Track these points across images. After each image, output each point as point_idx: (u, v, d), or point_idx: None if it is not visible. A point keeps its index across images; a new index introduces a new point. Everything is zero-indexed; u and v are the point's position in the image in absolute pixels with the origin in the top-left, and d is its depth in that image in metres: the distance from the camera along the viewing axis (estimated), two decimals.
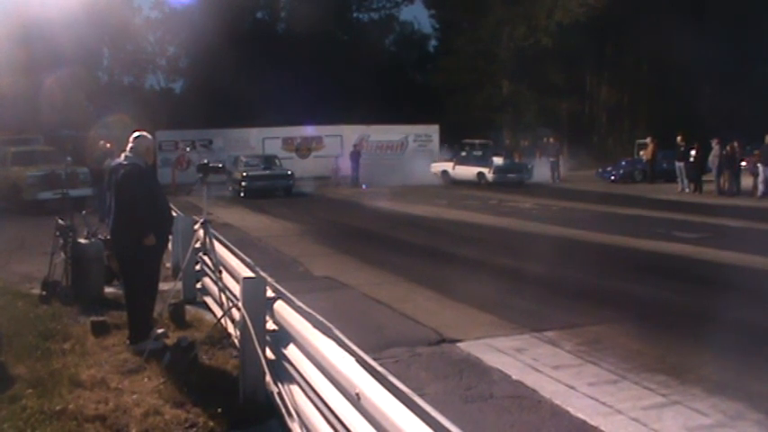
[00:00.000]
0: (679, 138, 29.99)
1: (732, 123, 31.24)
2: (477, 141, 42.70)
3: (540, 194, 28.31)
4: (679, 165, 29.27)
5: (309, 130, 38.46)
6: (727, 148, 27.32)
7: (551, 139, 39.11)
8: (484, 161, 35.27)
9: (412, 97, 47.99)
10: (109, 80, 52.12)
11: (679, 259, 13.93)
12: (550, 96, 46.22)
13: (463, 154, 37.69)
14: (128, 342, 7.91)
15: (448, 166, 36.40)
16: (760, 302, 9.91)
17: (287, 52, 47.05)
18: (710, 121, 33.93)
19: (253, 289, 6.08)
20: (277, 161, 33.79)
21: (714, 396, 6.53)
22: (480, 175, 34.18)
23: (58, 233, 10.66)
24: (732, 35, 34.80)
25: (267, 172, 31.60)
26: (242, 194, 30.11)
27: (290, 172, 32.16)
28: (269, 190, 30.24)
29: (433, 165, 37.43)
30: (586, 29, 40.79)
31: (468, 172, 34.96)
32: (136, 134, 8.10)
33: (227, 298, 7.94)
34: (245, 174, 30.63)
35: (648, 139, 34.55)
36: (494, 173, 33.68)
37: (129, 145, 7.99)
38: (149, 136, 8.32)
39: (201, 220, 8.97)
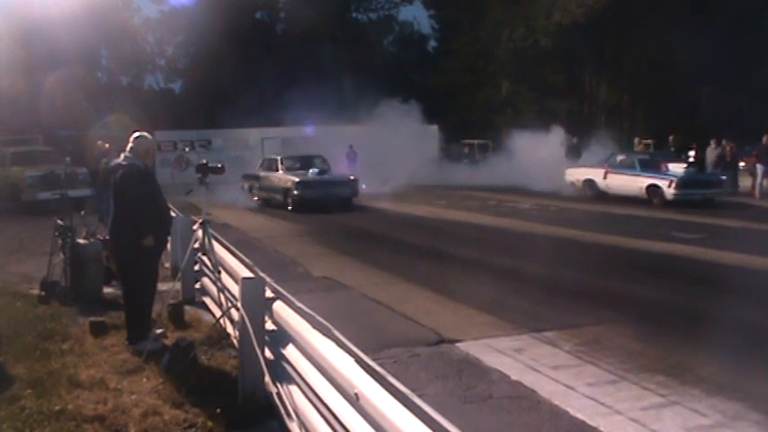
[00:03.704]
0: (671, 138, 29.98)
1: (731, 124, 31.25)
2: (476, 142, 42.69)
3: (538, 195, 28.15)
4: None
5: (308, 131, 38.42)
6: (727, 148, 27.40)
7: (575, 140, 35.35)
8: (655, 169, 25.11)
9: (411, 97, 47.95)
10: (108, 80, 52.09)
11: (678, 259, 13.94)
12: (550, 97, 46.20)
13: (620, 158, 26.91)
14: (126, 342, 7.91)
15: (596, 173, 26.93)
16: (759, 303, 9.92)
17: (286, 52, 47.08)
18: (710, 121, 33.96)
19: (252, 289, 6.07)
20: (326, 163, 26.92)
21: (713, 396, 6.54)
22: (653, 189, 24.34)
23: (56, 233, 10.66)
24: (732, 35, 34.83)
25: (326, 177, 24.80)
26: (290, 207, 24.02)
27: (352, 177, 25.43)
28: (326, 201, 23.76)
29: (570, 171, 28.76)
30: (585, 29, 40.78)
31: (630, 184, 25.24)
32: (136, 134, 8.08)
33: (226, 298, 7.93)
34: (297, 180, 23.97)
35: (637, 140, 34.52)
36: (677, 188, 23.74)
37: (129, 145, 7.98)
38: (149, 136, 8.30)
39: (201, 221, 8.96)
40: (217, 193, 20.12)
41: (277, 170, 25.60)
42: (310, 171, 24.61)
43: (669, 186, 23.74)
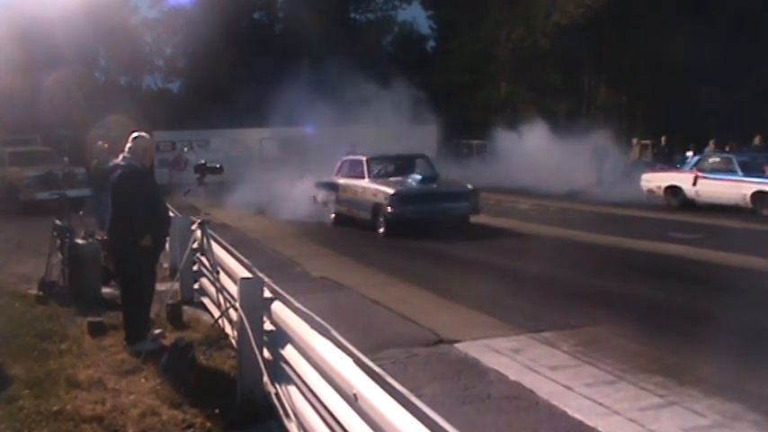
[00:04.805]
0: (663, 138, 29.95)
1: (731, 124, 31.24)
2: (474, 142, 42.65)
3: (538, 195, 27.85)
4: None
5: (307, 131, 38.34)
6: (726, 148, 27.40)
7: (601, 141, 33.09)
8: (759, 172, 21.06)
9: (410, 98, 47.87)
10: (106, 80, 52.06)
11: (675, 260, 13.94)
12: (548, 97, 46.16)
13: (712, 160, 23.08)
14: (125, 342, 7.90)
15: (682, 179, 23.20)
16: (756, 303, 9.91)
17: (285, 53, 47.07)
18: (709, 121, 33.94)
19: (250, 289, 6.08)
20: (432, 166, 20.23)
21: (711, 397, 6.54)
22: (760, 197, 20.47)
23: (55, 233, 10.66)
24: (732, 35, 34.78)
25: (433, 187, 18.27)
26: (381, 230, 17.65)
27: (470, 187, 18.57)
28: (434, 221, 17.22)
29: (648, 176, 25.02)
30: (584, 30, 40.76)
31: (728, 191, 21.36)
32: (134, 134, 8.10)
33: (225, 298, 7.94)
34: (391, 192, 17.39)
35: (635, 141, 34.48)
36: None
37: (128, 145, 8.00)
38: (147, 136, 8.32)
39: (199, 221, 8.96)
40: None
41: (363, 177, 18.87)
42: (411, 178, 18.33)
43: None
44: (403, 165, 19.32)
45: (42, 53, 35.80)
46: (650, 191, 24.49)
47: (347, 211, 19.53)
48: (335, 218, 20.09)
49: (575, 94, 47.79)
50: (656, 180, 24.47)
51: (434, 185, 18.27)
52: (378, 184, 18.14)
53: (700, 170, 22.68)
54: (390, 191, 17.36)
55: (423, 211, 17.33)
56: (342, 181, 19.66)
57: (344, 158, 20.55)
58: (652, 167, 27.07)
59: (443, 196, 18.01)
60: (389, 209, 17.21)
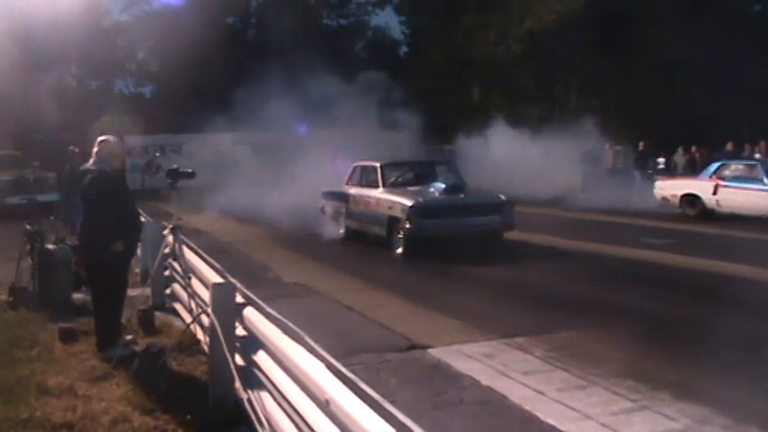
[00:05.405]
0: (641, 144, 30.17)
1: (704, 129, 31.49)
2: (446, 147, 42.71)
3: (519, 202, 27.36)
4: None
5: (280, 136, 38.26)
6: (697, 154, 27.64)
7: (590, 145, 32.53)
8: None
9: (382, 103, 47.93)
10: (78, 84, 51.70)
11: (648, 265, 14.02)
12: (521, 102, 46.38)
13: (734, 166, 21.17)
14: (96, 349, 7.85)
15: (700, 187, 21.36)
16: (728, 308, 9.98)
17: (258, 58, 47.02)
18: (683, 128, 34.18)
19: (222, 295, 6.06)
20: (458, 173, 17.83)
21: (682, 401, 6.59)
22: None
23: (25, 238, 10.58)
24: (715, 34, 35.02)
25: (460, 198, 15.82)
26: (399, 249, 15.29)
27: (503, 198, 15.91)
28: (458, 236, 14.93)
29: (661, 184, 23.31)
30: (556, 35, 41.00)
31: (754, 201, 19.69)
32: (100, 138, 8.07)
33: (197, 304, 7.91)
34: (410, 204, 14.94)
35: (608, 146, 34.65)
36: None
37: (95, 149, 7.96)
38: (114, 139, 8.27)
39: (171, 226, 8.92)
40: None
41: (377, 186, 16.61)
42: (433, 187, 16.03)
43: None
44: (424, 172, 17.09)
45: (13, 57, 35.45)
46: (665, 198, 22.84)
47: (358, 225, 17.32)
48: (344, 233, 17.90)
49: (547, 99, 48.07)
50: (670, 188, 22.89)
51: (461, 196, 15.87)
52: (393, 194, 15.82)
53: (720, 178, 20.91)
54: (408, 202, 14.98)
55: (447, 227, 15.02)
56: (352, 191, 17.43)
57: (356, 164, 18.08)
58: (634, 173, 27.21)
59: (472, 209, 15.55)
60: (408, 224, 14.86)
